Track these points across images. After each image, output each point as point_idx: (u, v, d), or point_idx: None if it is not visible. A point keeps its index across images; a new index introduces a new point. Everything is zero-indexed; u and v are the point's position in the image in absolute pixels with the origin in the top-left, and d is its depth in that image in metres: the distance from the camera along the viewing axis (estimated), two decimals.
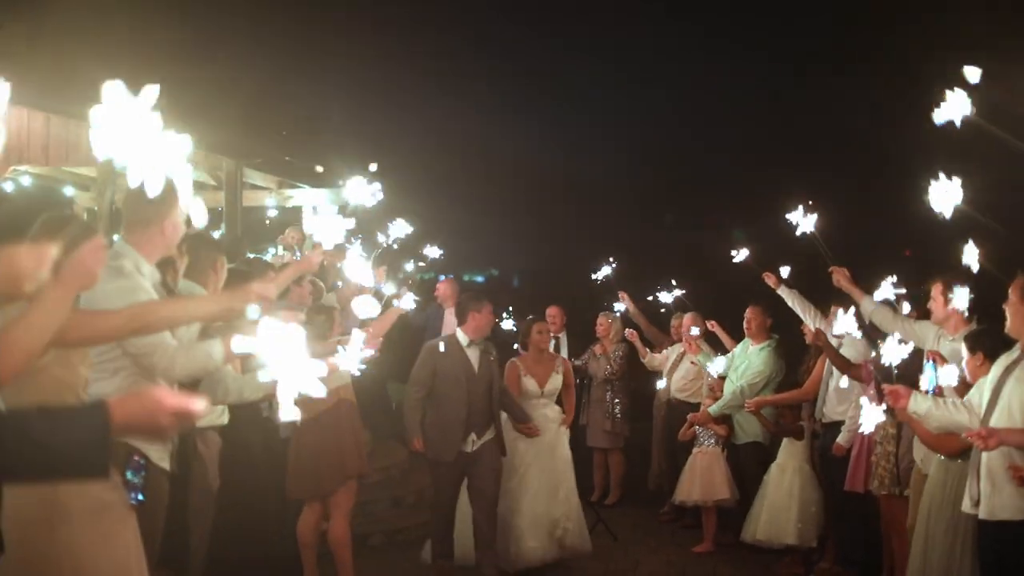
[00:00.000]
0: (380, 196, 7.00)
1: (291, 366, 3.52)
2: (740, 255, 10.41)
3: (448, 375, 9.62)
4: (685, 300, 12.32)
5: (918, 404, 6.74)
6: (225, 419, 6.96)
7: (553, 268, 12.48)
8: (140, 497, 4.65)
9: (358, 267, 9.10)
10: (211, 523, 6.81)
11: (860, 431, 7.60)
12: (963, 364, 7.14)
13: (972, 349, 7.01)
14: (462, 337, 9.76)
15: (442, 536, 9.76)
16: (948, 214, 4.83)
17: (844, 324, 8.16)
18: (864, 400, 7.02)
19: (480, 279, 20.19)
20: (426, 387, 9.69)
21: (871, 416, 6.80)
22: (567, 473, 10.38)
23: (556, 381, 10.62)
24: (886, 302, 8.74)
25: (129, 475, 4.74)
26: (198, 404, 3.28)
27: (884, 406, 6.90)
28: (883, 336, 7.99)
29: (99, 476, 3.05)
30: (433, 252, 12.26)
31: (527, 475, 10.18)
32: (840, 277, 8.86)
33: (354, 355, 7.22)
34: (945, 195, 5.26)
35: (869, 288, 8.84)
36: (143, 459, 4.93)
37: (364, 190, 6.81)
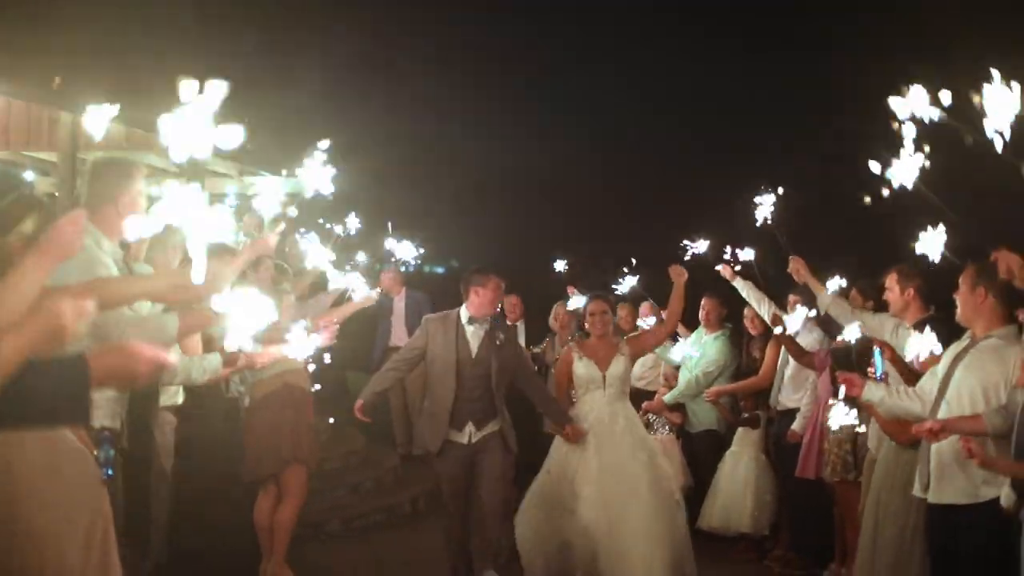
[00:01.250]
0: (333, 181, 7.01)
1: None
2: (697, 247, 10.47)
3: (439, 355, 8.68)
4: (640, 290, 12.39)
5: (872, 392, 6.86)
6: (180, 399, 7.01)
7: (512, 258, 12.54)
8: (110, 472, 4.69)
9: (319, 255, 9.18)
10: (168, 503, 6.83)
11: (830, 425, 7.72)
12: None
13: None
14: (463, 314, 8.78)
15: (454, 550, 8.77)
16: (909, 182, 4.89)
17: (798, 321, 8.29)
18: (834, 403, 7.12)
19: (440, 270, 20.16)
20: (407, 365, 8.95)
21: (838, 417, 6.93)
22: (655, 499, 8.71)
23: (622, 365, 9.19)
24: (840, 294, 8.84)
25: (100, 451, 4.77)
26: (171, 357, 3.41)
27: (849, 407, 7.03)
28: (839, 327, 8.13)
29: (81, 423, 3.18)
30: (405, 249, 12.26)
31: (580, 498, 8.69)
32: (798, 267, 8.93)
33: (302, 342, 7.31)
34: (907, 168, 5.37)
35: (824, 279, 8.95)
36: (111, 435, 4.97)
37: (320, 174, 6.85)
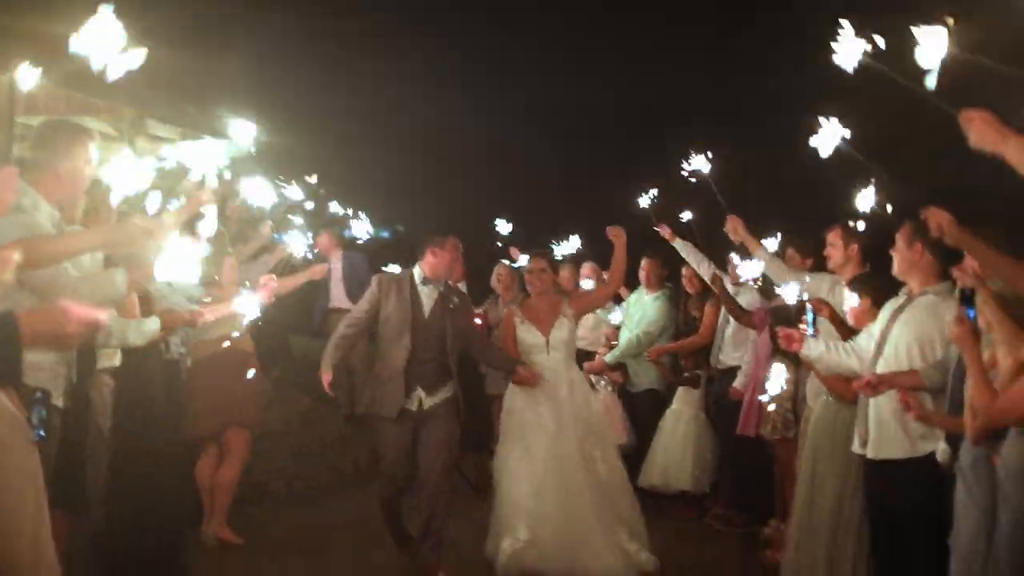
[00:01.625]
0: (258, 137, 6.97)
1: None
2: (640, 204, 10.46)
3: (392, 316, 8.22)
4: (581, 252, 12.39)
5: (811, 348, 6.93)
6: (117, 361, 6.96)
7: (455, 220, 12.51)
8: (42, 433, 4.64)
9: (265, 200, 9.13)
10: (106, 465, 6.80)
11: (766, 389, 7.77)
12: (847, 308, 7.33)
13: (858, 294, 7.18)
14: (417, 273, 8.38)
15: (388, 516, 8.38)
16: (827, 152, 4.93)
17: (750, 269, 8.32)
18: (775, 365, 7.17)
19: (386, 234, 20.06)
20: (360, 324, 8.38)
21: (775, 382, 6.98)
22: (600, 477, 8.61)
23: (565, 329, 8.90)
24: (776, 254, 8.89)
25: (33, 413, 4.73)
26: (102, 315, 3.40)
27: (788, 363, 7.08)
28: (776, 286, 8.19)
29: (11, 381, 3.14)
30: (361, 226, 12.19)
31: (534, 456, 8.48)
32: (736, 226, 8.95)
33: (248, 303, 7.31)
34: (828, 137, 5.42)
35: (760, 238, 8.98)
36: (44, 396, 4.93)
37: (247, 131, 6.81)
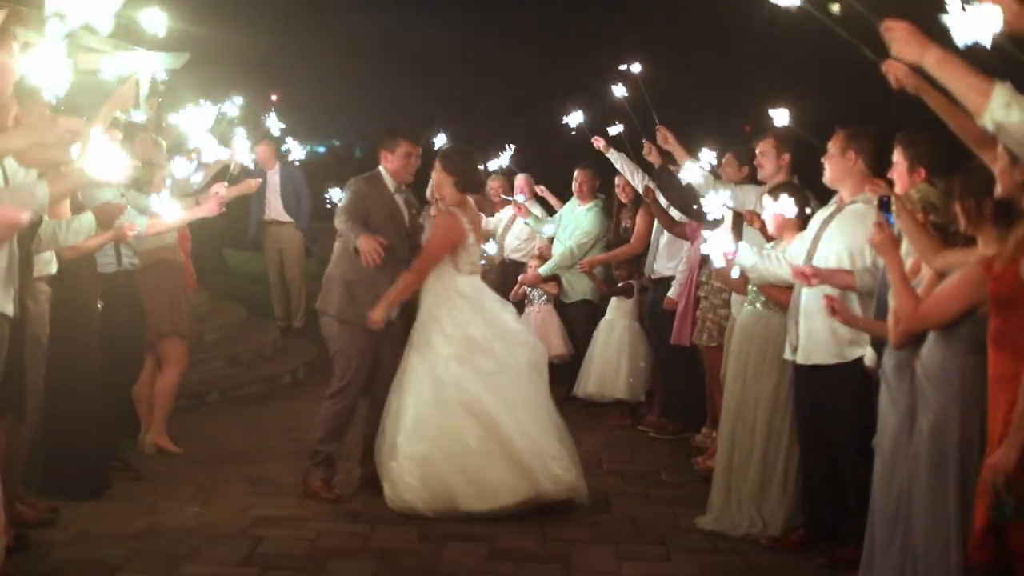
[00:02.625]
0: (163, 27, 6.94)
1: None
2: (572, 119, 10.47)
3: (382, 220, 7.89)
4: (513, 167, 12.41)
5: (744, 257, 7.01)
6: (53, 269, 6.95)
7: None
8: None
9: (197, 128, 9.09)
10: (43, 374, 6.82)
11: (714, 266, 7.79)
12: (769, 217, 7.40)
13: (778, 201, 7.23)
14: (388, 180, 8.06)
15: (335, 432, 8.01)
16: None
17: (691, 173, 8.38)
18: (707, 235, 7.17)
19: (321, 149, 19.99)
20: (359, 221, 7.81)
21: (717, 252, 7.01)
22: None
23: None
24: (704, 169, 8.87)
25: None
26: (23, 215, 3.42)
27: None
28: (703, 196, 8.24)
29: None
30: (273, 124, 12.11)
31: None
32: (666, 135, 8.93)
33: (174, 213, 7.31)
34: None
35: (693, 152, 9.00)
36: None
37: (158, 19, 6.78)
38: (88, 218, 6.78)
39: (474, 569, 6.56)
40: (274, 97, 10.74)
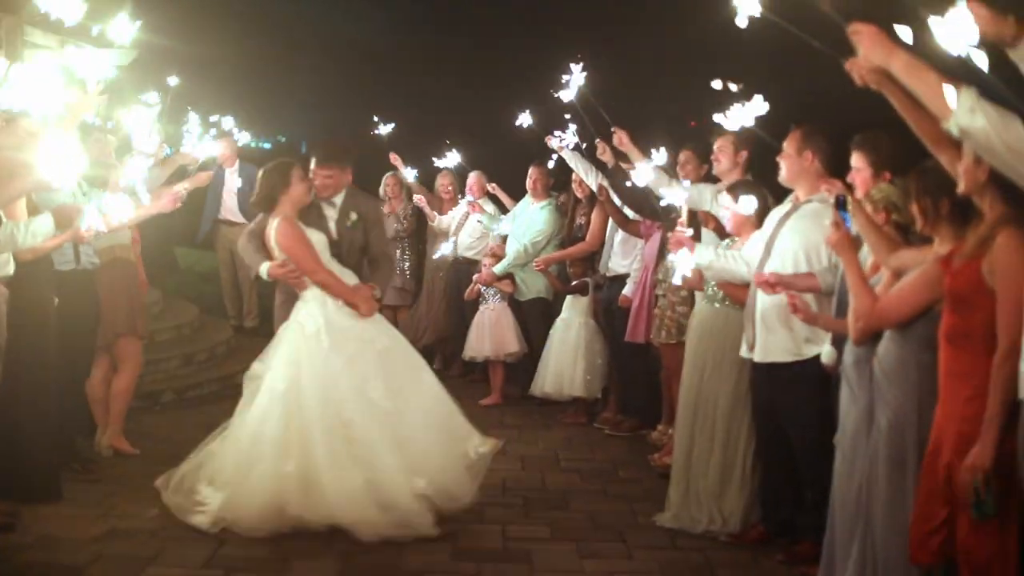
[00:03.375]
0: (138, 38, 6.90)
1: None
2: (523, 119, 10.47)
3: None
4: (465, 164, 12.42)
5: (701, 255, 7.07)
6: (11, 270, 6.93)
7: (339, 132, 12.40)
8: None
9: (141, 128, 9.06)
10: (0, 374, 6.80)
11: (672, 282, 7.82)
12: (726, 215, 7.46)
13: (737, 199, 7.30)
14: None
15: None
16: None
17: (644, 173, 8.42)
18: (673, 257, 7.21)
19: (267, 146, 19.87)
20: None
21: (683, 266, 7.08)
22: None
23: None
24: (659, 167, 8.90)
25: None
26: None
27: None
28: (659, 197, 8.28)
29: None
30: (226, 122, 12.05)
31: None
32: (621, 137, 8.94)
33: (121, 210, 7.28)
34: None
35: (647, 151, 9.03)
36: None
37: (125, 29, 6.73)
38: (47, 220, 6.74)
39: (439, 570, 6.57)
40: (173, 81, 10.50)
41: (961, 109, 3.92)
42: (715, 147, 8.20)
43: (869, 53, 4.18)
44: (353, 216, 8.02)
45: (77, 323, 7.96)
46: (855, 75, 4.48)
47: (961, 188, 4.49)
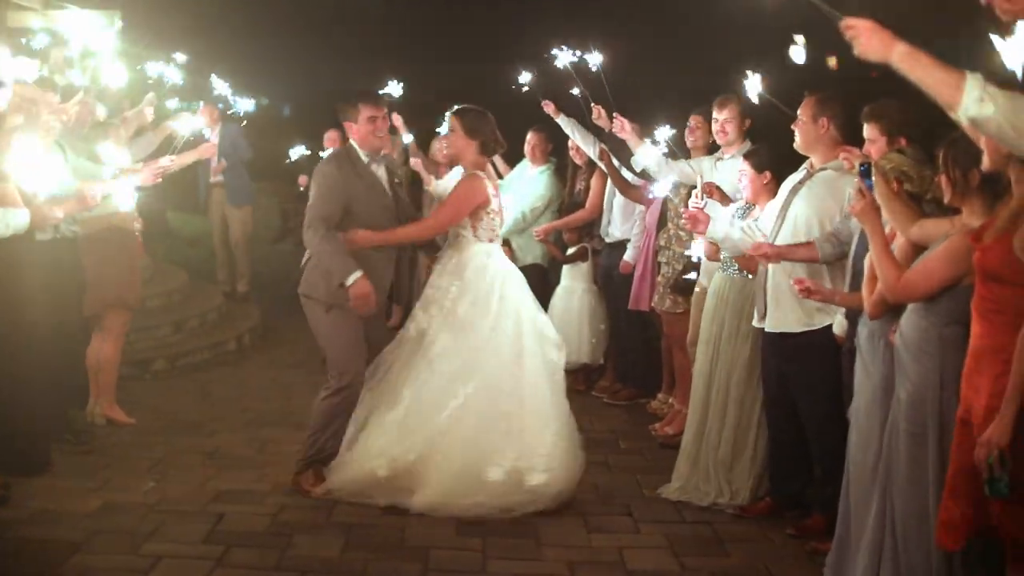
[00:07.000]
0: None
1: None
2: (524, 79, 10.28)
3: (363, 203, 7.20)
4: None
5: (715, 229, 6.96)
6: None
7: (328, 94, 12.22)
8: None
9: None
10: None
11: (692, 255, 7.69)
12: (744, 182, 7.36)
13: (758, 167, 7.20)
14: (360, 152, 7.35)
15: (337, 430, 7.30)
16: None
17: (646, 155, 8.31)
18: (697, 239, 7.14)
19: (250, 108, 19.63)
20: (334, 220, 7.12)
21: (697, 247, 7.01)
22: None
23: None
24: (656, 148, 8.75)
25: None
26: None
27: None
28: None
29: None
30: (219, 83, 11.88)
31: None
32: (623, 123, 8.75)
33: (125, 190, 7.14)
34: None
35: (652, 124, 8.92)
36: None
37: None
38: (24, 215, 6.69)
39: (444, 544, 6.45)
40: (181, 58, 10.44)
41: (969, 98, 3.81)
42: (721, 117, 8.11)
43: (866, 48, 4.03)
44: (399, 173, 7.67)
45: (61, 293, 7.79)
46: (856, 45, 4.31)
47: (985, 163, 4.40)
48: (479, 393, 7.08)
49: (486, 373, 7.14)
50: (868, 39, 4.00)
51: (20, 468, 7.21)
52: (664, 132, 8.58)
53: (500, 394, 7.12)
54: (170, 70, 10.56)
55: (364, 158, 7.33)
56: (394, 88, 10.84)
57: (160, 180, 8.22)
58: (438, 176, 12.05)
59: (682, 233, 8.49)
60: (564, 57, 9.08)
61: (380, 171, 7.44)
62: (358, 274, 6.97)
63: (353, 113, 7.28)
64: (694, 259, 7.66)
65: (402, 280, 7.67)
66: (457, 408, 7.04)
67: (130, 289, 8.73)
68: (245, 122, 13.35)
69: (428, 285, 7.53)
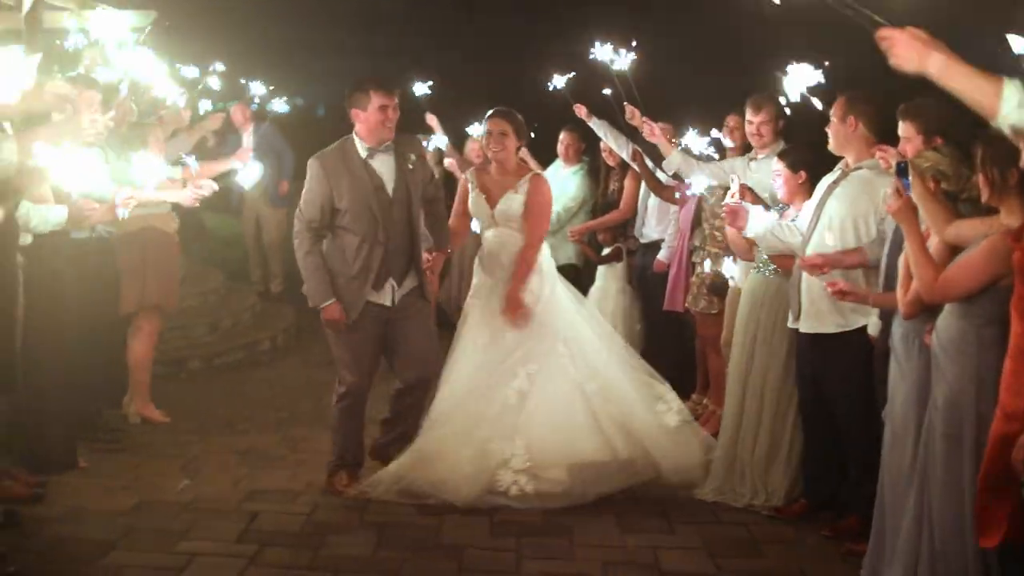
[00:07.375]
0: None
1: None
2: (558, 81, 10.25)
3: (353, 201, 7.03)
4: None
5: (755, 227, 6.92)
6: (29, 239, 6.84)
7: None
8: None
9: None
10: (18, 343, 6.69)
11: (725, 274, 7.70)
12: (779, 182, 7.30)
13: (793, 167, 7.14)
14: (360, 145, 7.13)
15: (349, 434, 7.38)
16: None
17: (676, 161, 8.29)
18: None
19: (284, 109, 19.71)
20: (319, 222, 7.09)
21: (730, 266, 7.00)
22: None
23: (513, 203, 7.66)
24: (687, 151, 8.71)
25: None
26: None
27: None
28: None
29: None
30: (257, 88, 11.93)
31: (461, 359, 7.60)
32: (652, 128, 8.72)
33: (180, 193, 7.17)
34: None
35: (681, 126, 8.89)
36: None
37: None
38: (62, 212, 6.72)
39: (478, 544, 6.45)
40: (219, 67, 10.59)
41: (1009, 106, 3.76)
42: (756, 120, 8.05)
43: (901, 59, 3.97)
44: (412, 157, 7.29)
45: (93, 292, 7.81)
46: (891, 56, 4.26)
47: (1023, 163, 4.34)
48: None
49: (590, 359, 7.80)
50: (903, 50, 3.95)
51: (46, 467, 7.23)
52: (693, 137, 8.55)
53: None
54: (210, 79, 10.63)
55: (363, 152, 7.12)
56: (420, 87, 10.82)
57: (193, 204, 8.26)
58: None
59: (717, 233, 8.46)
60: (603, 52, 9.01)
61: (388, 160, 7.18)
62: (331, 300, 7.13)
63: (364, 100, 7.06)
64: (727, 277, 7.68)
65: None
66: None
67: (170, 295, 8.78)
68: (267, 120, 13.40)
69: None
